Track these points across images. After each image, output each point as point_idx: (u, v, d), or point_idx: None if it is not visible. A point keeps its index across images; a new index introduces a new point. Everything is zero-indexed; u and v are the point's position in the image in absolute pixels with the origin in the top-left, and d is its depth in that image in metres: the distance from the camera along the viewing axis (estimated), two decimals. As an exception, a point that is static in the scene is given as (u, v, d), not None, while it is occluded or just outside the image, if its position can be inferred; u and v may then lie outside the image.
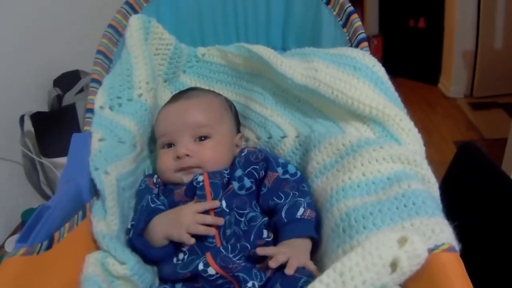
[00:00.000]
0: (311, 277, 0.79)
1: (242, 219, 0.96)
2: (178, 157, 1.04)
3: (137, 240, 0.94)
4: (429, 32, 3.76)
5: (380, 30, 4.18)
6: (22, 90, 1.71)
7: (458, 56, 3.40)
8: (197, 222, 0.91)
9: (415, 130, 0.93)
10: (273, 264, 0.81)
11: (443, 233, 0.69)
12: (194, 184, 1.00)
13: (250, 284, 0.83)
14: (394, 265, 0.62)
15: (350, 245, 0.75)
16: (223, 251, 0.87)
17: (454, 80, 3.47)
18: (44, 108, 1.75)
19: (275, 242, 0.94)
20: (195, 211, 0.93)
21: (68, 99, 1.68)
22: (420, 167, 0.86)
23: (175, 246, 0.93)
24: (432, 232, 0.69)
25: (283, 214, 0.93)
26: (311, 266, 0.84)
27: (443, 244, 0.67)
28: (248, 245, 0.90)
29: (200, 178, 1.00)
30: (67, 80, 1.79)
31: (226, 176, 1.03)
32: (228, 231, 0.93)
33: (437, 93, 3.61)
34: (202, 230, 0.91)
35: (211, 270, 0.85)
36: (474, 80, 3.40)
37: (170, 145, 1.08)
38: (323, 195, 0.91)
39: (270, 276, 0.85)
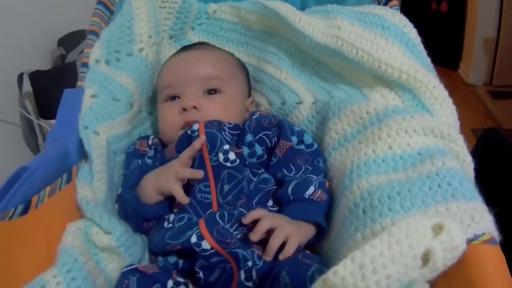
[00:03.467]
0: (323, 264, 0.70)
1: (255, 179, 0.87)
2: (184, 110, 0.94)
3: (127, 194, 0.85)
4: (451, 16, 3.62)
5: (402, 12, 4.01)
6: (25, 49, 1.64)
7: (479, 43, 3.30)
8: (182, 164, 0.83)
9: (450, 100, 0.83)
10: (253, 236, 0.74)
11: (484, 221, 0.60)
12: (189, 133, 0.90)
13: (250, 263, 0.74)
14: (426, 258, 0.52)
15: (372, 230, 0.65)
16: (220, 221, 0.77)
17: (474, 67, 3.38)
18: (47, 68, 1.67)
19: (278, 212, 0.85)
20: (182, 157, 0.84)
21: (71, 59, 1.62)
22: (455, 143, 0.77)
23: (165, 206, 0.85)
24: (471, 220, 0.60)
25: (289, 189, 0.83)
26: (290, 248, 0.74)
27: (483, 234, 0.58)
28: (246, 213, 0.79)
29: (196, 126, 0.90)
30: (72, 40, 1.73)
31: (228, 130, 0.92)
32: (226, 187, 0.84)
33: (456, 79, 3.51)
34: (188, 174, 0.82)
35: (205, 244, 0.74)
36: (494, 68, 3.30)
37: (174, 98, 0.98)
38: (342, 169, 0.81)
39: (272, 261, 0.75)
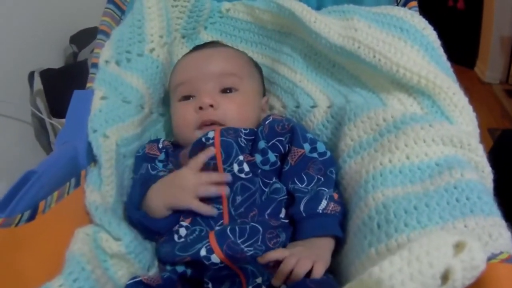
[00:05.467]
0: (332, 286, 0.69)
1: (267, 189, 0.84)
2: (200, 108, 0.91)
3: (134, 214, 0.83)
4: (467, 13, 3.58)
5: (418, 9, 3.97)
6: (36, 47, 1.62)
7: (495, 41, 3.27)
8: (202, 182, 0.80)
9: (470, 107, 0.80)
10: (280, 277, 0.71)
11: (502, 239, 0.58)
12: (203, 140, 0.86)
13: (259, 280, 0.73)
14: (444, 276, 0.49)
15: (387, 246, 0.63)
16: (230, 235, 0.75)
17: (490, 65, 3.34)
18: (59, 66, 1.65)
19: (291, 224, 0.82)
20: (195, 169, 0.81)
21: (83, 56, 1.60)
22: (474, 153, 0.74)
23: (176, 217, 0.82)
24: (489, 237, 0.59)
25: (301, 206, 0.80)
26: (318, 269, 0.71)
27: (501, 253, 0.56)
28: (260, 228, 0.77)
29: (211, 134, 0.86)
30: (85, 37, 1.70)
31: (244, 136, 0.88)
32: (239, 198, 0.81)
33: (473, 77, 3.47)
34: (213, 191, 0.79)
35: (215, 258, 0.73)
36: (511, 67, 3.26)
37: (188, 97, 0.95)
38: (356, 179, 0.78)
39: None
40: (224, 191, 0.80)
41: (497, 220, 0.61)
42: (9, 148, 1.47)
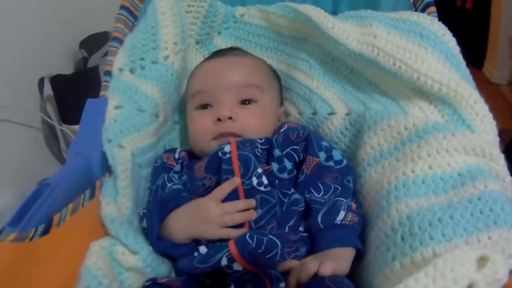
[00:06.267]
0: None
1: (286, 200, 0.82)
2: (218, 120, 0.89)
3: (158, 245, 0.80)
4: (476, 13, 3.52)
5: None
6: (45, 52, 1.60)
7: (504, 41, 3.23)
8: (227, 213, 0.78)
9: (490, 116, 0.80)
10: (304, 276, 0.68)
11: None
12: (220, 154, 0.84)
13: (282, 284, 0.71)
14: None
15: (412, 259, 0.62)
16: (250, 241, 0.73)
17: (498, 66, 3.29)
18: (69, 71, 1.64)
19: (310, 237, 0.80)
20: (219, 200, 0.79)
21: (93, 62, 1.58)
22: (495, 162, 0.73)
23: (196, 241, 0.81)
24: None
25: (319, 218, 0.78)
26: (323, 266, 0.68)
27: None
28: (278, 242, 0.75)
29: (227, 148, 0.84)
30: (95, 42, 1.69)
31: (260, 146, 0.87)
32: (259, 211, 0.79)
33: (481, 77, 3.36)
34: (239, 219, 0.78)
35: (237, 266, 0.72)
36: None
37: (205, 106, 0.94)
38: (377, 188, 0.77)
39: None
40: (250, 217, 0.79)
41: (521, 231, 0.60)
42: (19, 155, 1.46)
